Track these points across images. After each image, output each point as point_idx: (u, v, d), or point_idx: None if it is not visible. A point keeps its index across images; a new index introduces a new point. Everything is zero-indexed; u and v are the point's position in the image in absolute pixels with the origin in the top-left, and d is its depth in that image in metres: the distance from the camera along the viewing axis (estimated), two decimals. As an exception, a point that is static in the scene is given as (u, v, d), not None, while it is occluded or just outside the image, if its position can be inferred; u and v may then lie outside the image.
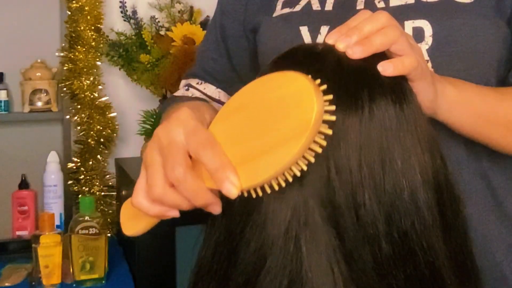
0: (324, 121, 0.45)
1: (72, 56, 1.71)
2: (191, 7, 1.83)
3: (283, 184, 0.45)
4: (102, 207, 1.75)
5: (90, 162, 1.74)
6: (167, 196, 0.49)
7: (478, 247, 0.56)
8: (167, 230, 1.42)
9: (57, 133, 1.81)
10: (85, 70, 1.72)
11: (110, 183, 1.79)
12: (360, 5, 0.73)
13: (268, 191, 0.46)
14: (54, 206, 1.68)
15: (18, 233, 1.70)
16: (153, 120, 1.67)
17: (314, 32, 0.73)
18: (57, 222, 1.57)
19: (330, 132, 0.44)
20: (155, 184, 0.50)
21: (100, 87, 1.75)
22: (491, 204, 0.72)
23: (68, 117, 1.74)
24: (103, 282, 1.40)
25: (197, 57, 0.92)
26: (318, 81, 0.47)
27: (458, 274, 0.51)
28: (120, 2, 1.80)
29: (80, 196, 1.67)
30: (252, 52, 0.85)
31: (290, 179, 0.45)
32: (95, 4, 1.73)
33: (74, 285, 1.38)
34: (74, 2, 1.70)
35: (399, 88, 0.52)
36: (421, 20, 0.69)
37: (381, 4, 0.72)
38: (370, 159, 0.48)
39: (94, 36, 1.72)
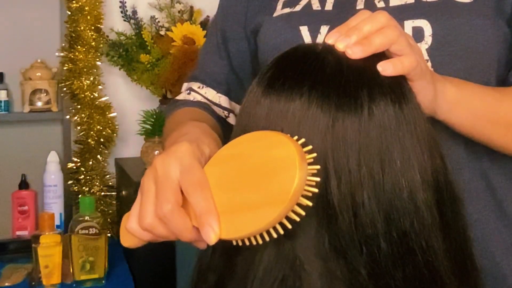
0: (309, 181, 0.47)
1: (72, 56, 1.71)
2: (191, 7, 1.83)
3: (260, 242, 0.47)
4: (102, 207, 1.75)
5: (90, 162, 1.74)
6: (155, 229, 0.52)
7: (477, 247, 0.56)
8: (167, 230, 1.42)
9: (57, 133, 1.81)
10: (85, 70, 1.72)
11: (110, 183, 1.79)
12: (360, 5, 0.73)
13: (247, 243, 0.48)
14: (54, 206, 1.68)
15: (18, 233, 1.70)
16: (153, 120, 1.67)
17: (314, 32, 0.73)
18: (57, 222, 1.57)
19: (310, 203, 0.46)
20: (146, 216, 0.52)
21: (100, 87, 1.76)
22: (491, 204, 0.72)
23: (68, 117, 1.75)
24: (103, 282, 1.40)
25: (199, 60, 0.93)
26: (308, 148, 0.47)
27: (458, 274, 0.51)
28: (120, 2, 1.80)
29: (80, 196, 1.67)
30: (252, 54, 0.85)
31: (267, 239, 0.47)
32: (95, 4, 1.73)
33: (74, 285, 1.38)
34: (74, 2, 1.71)
35: (398, 88, 0.52)
36: (421, 20, 0.69)
37: (381, 4, 0.72)
38: (369, 158, 0.48)
39: (94, 36, 1.72)
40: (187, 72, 0.96)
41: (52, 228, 1.40)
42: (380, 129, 0.49)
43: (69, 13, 1.72)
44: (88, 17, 1.72)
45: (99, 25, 1.74)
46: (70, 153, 1.76)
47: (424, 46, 0.68)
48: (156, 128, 1.65)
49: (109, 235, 1.71)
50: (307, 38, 0.74)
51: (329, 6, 0.75)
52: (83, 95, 1.72)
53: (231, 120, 0.87)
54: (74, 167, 1.74)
